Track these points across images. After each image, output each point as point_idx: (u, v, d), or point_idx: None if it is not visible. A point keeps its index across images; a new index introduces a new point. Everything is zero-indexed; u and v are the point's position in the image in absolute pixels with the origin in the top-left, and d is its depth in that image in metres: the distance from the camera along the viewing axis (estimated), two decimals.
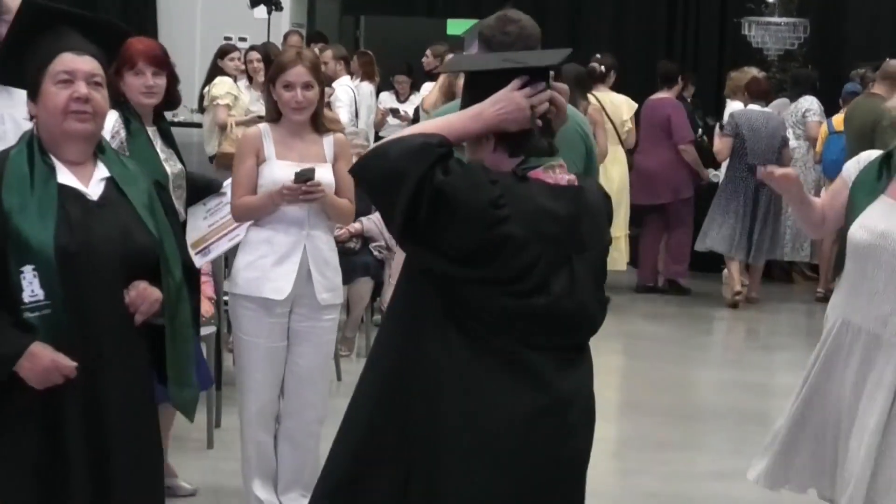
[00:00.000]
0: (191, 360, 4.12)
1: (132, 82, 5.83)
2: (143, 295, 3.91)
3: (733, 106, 12.95)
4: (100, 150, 4.05)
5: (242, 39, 15.27)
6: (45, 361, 3.80)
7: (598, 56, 12.55)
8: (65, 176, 3.94)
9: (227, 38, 14.77)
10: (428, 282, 3.58)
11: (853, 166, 4.96)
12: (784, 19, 14.51)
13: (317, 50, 12.51)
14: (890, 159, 4.84)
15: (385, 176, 3.53)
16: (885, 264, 4.68)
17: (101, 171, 4.01)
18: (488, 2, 14.01)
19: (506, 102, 3.59)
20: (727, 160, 12.43)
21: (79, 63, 3.95)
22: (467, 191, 3.49)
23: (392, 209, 3.50)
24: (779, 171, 4.95)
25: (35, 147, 3.95)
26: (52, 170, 3.92)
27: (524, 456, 3.58)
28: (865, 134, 10.28)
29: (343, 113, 12.07)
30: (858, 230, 4.76)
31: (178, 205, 5.80)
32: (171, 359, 4.02)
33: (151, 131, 5.91)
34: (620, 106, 12.22)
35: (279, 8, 14.43)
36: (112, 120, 5.66)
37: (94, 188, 3.96)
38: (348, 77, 12.88)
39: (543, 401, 3.58)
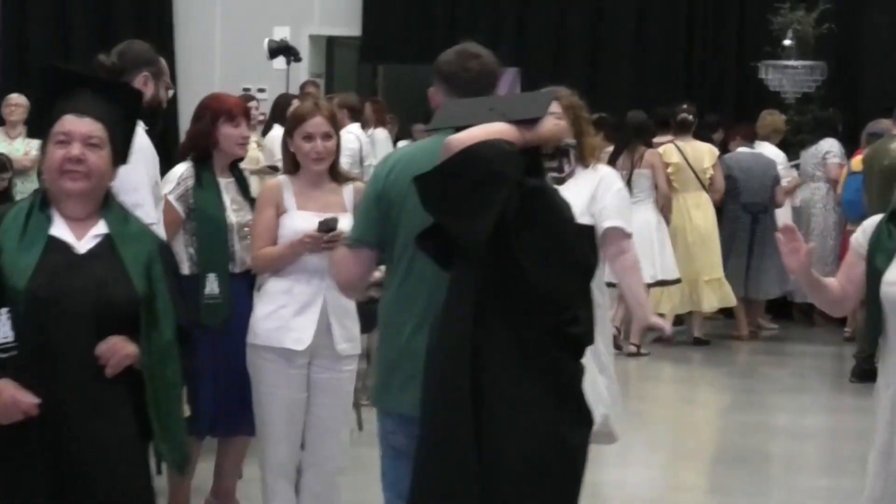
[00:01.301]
0: (176, 419, 4.17)
1: (230, 133, 6.12)
2: (113, 349, 4.00)
3: (766, 147, 13.02)
4: (106, 206, 4.18)
5: (261, 90, 15.33)
6: (4, 396, 3.94)
7: (685, 107, 12.90)
8: (59, 229, 4.11)
9: (245, 90, 14.82)
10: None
11: (861, 236, 4.84)
12: (801, 62, 14.52)
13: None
14: (894, 216, 4.75)
15: (486, 176, 3.75)
16: None
17: (100, 228, 4.15)
18: (507, 51, 14.07)
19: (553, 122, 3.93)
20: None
21: (77, 125, 4.12)
22: (554, 195, 3.90)
23: (486, 209, 3.73)
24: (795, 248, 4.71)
25: (38, 201, 4.16)
26: (48, 222, 4.11)
27: None
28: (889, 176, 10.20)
29: (342, 160, 12.09)
30: (890, 288, 4.63)
31: (244, 253, 6.07)
32: (154, 415, 4.09)
33: (227, 182, 6.17)
34: (703, 153, 12.41)
35: (298, 59, 14.47)
36: (182, 169, 6.11)
37: (85, 243, 4.11)
38: (357, 125, 12.92)
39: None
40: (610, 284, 6.56)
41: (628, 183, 11.06)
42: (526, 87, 13.93)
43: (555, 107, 4.27)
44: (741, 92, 15.67)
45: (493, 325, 3.85)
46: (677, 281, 11.86)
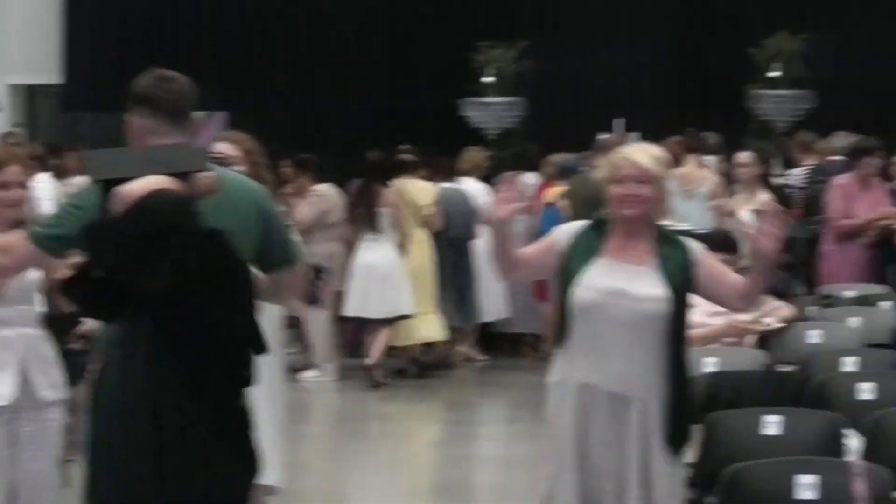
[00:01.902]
0: None
1: None
2: None
3: (468, 183, 13.25)
4: None
5: None
6: None
7: (405, 147, 13.05)
8: None
9: None
10: None
11: (563, 234, 5.19)
12: (500, 98, 14.76)
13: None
14: (601, 225, 5.13)
15: (163, 226, 3.77)
16: (613, 320, 4.95)
17: None
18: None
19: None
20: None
21: None
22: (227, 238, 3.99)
23: (163, 258, 3.73)
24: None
25: None
26: None
27: None
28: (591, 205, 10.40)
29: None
30: (583, 291, 5.00)
31: None
32: None
33: None
34: (423, 191, 12.55)
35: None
36: None
37: None
38: (47, 174, 12.81)
39: None
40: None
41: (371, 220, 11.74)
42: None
43: (232, 150, 4.29)
44: (444, 129, 15.88)
45: (169, 375, 3.85)
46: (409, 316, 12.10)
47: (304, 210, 11.97)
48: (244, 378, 3.94)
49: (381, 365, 11.92)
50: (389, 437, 10.54)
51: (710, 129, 13.51)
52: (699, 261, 5.13)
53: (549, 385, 5.21)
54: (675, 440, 5.04)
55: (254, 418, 4.15)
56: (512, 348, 13.83)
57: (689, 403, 5.21)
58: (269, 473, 5.46)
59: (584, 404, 5.04)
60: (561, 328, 5.14)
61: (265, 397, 5.16)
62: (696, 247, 5.21)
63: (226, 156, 5.75)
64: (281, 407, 6.43)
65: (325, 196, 12.24)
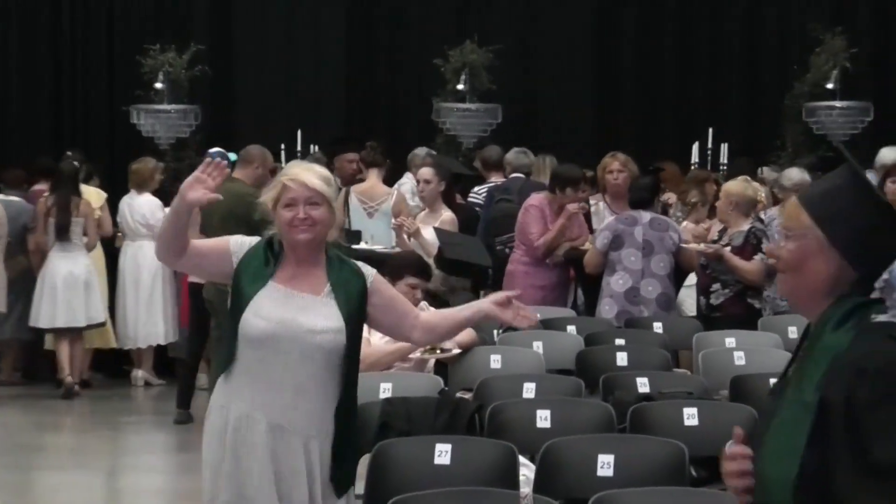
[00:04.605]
0: None
1: None
2: None
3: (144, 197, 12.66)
4: None
5: None
6: None
7: (69, 154, 12.90)
8: None
9: None
10: None
11: (240, 245, 4.97)
12: (175, 106, 14.08)
13: None
14: (272, 247, 4.94)
15: None
16: (284, 352, 4.79)
17: None
18: None
19: None
20: None
21: None
22: None
23: None
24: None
25: None
26: None
27: None
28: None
29: None
30: (254, 319, 4.82)
31: None
32: None
33: None
34: (90, 196, 12.46)
35: None
36: None
37: None
38: None
39: None
40: None
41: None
42: None
43: None
44: (114, 138, 15.11)
45: None
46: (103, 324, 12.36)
47: None
48: None
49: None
50: None
51: (396, 142, 13.23)
52: (375, 289, 5.03)
53: (207, 411, 5.00)
54: (342, 477, 4.94)
55: None
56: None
57: (357, 438, 5.16)
58: None
59: (241, 437, 4.83)
60: (227, 352, 4.93)
61: None
62: (371, 273, 5.07)
63: None
64: None
65: None
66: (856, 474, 2.84)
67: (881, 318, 2.99)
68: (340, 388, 4.90)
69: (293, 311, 4.86)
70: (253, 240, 5.05)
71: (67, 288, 11.99)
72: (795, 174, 11.06)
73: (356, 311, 4.93)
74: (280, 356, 4.82)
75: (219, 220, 9.31)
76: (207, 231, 9.17)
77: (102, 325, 12.29)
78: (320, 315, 4.87)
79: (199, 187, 4.81)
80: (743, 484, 3.10)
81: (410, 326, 5.08)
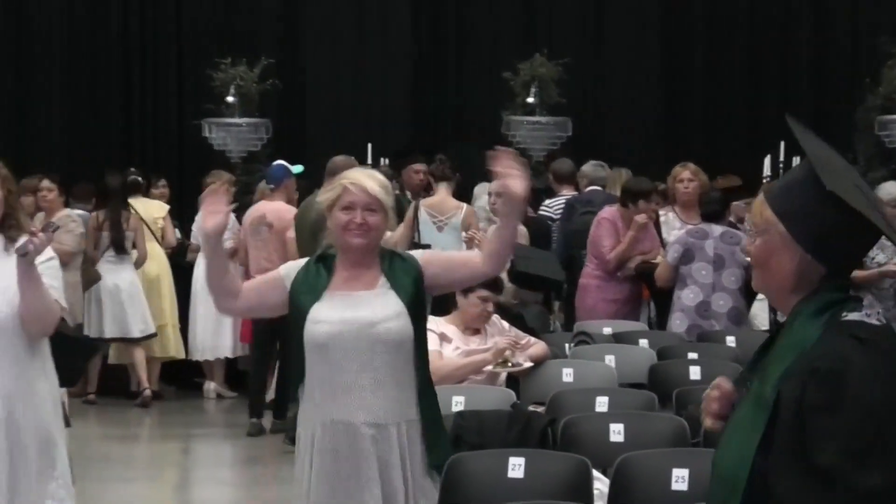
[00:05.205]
0: None
1: None
2: None
3: None
4: None
5: None
6: None
7: (133, 170, 13.02)
8: None
9: None
10: None
11: (291, 270, 5.02)
12: (246, 120, 14.17)
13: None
14: (326, 259, 5.00)
15: None
16: (352, 350, 4.82)
17: None
18: None
19: None
20: None
21: None
22: None
23: None
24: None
25: None
26: None
27: None
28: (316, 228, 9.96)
29: None
30: (315, 326, 4.86)
31: None
32: None
33: None
34: (153, 208, 12.79)
35: None
36: None
37: None
38: None
39: None
40: None
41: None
42: None
43: None
44: (181, 151, 15.20)
45: None
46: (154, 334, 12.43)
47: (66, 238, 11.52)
48: None
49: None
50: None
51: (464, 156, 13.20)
52: (426, 262, 5.03)
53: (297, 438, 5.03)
54: (437, 458, 5.00)
55: None
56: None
57: (441, 419, 5.17)
58: None
59: (335, 442, 4.86)
60: (298, 369, 4.97)
61: None
62: (419, 254, 5.17)
63: None
64: None
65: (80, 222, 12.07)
66: (796, 477, 2.82)
67: (852, 316, 2.97)
68: (417, 372, 4.93)
69: (352, 309, 4.89)
70: (301, 262, 5.09)
71: (113, 301, 12.17)
72: (893, 188, 10.69)
73: (414, 295, 4.93)
74: (349, 355, 4.84)
75: (309, 233, 9.54)
76: (302, 245, 9.44)
77: (154, 335, 12.38)
78: (378, 306, 4.90)
79: (211, 217, 4.86)
80: (718, 406, 3.14)
81: (475, 266, 5.03)
